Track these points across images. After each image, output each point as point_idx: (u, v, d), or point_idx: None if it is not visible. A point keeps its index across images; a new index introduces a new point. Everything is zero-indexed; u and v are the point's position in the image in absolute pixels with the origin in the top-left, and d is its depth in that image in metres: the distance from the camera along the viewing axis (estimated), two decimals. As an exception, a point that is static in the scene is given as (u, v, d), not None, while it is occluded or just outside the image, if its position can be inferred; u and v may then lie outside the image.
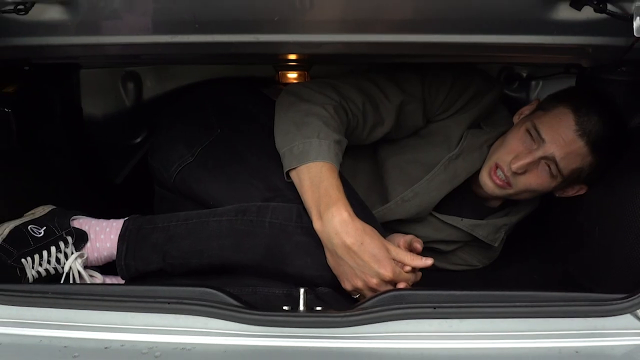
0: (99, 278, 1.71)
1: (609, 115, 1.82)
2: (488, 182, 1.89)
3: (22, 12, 1.33)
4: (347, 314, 1.28)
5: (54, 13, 1.39)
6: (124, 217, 1.74)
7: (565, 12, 1.38)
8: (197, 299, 1.31)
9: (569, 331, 1.26)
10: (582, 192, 1.93)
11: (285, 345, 1.26)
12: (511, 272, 2.08)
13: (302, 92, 1.76)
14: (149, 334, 1.28)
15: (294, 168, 1.61)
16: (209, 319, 1.28)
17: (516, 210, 2.07)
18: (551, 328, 1.26)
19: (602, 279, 1.76)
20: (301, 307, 1.37)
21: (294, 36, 1.49)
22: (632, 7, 1.27)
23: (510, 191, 1.88)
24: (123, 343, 1.27)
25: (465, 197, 2.02)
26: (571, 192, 1.93)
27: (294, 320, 1.29)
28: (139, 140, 2.49)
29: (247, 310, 1.28)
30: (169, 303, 1.29)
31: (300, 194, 1.61)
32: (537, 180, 1.85)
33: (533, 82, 2.45)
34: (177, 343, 1.27)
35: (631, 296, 1.26)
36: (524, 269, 2.08)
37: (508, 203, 2.06)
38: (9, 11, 1.33)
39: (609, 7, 1.30)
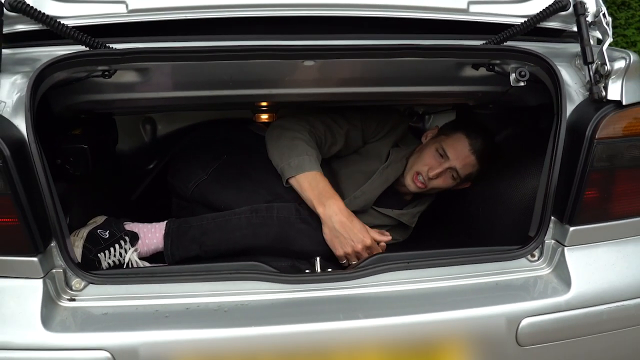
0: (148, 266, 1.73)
1: (487, 137, 2.06)
2: (411, 185, 2.08)
3: (107, 76, 1.38)
4: (350, 271, 1.41)
5: (128, 77, 1.43)
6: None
7: (468, 71, 1.58)
8: (249, 269, 1.39)
9: (490, 271, 1.44)
10: (467, 185, 2.14)
11: (310, 296, 1.37)
12: (424, 244, 2.21)
13: (284, 124, 1.88)
14: (216, 297, 1.35)
15: (293, 176, 1.73)
16: (257, 282, 1.37)
17: (422, 201, 2.26)
18: (479, 270, 1.44)
19: (488, 245, 1.95)
20: (318, 270, 1.49)
21: (294, 90, 1.63)
22: (509, 68, 1.49)
23: (425, 190, 2.09)
24: (198, 304, 1.34)
25: (391, 194, 2.18)
26: (460, 187, 2.15)
27: (315, 278, 1.40)
28: (151, 166, 2.49)
29: (284, 275, 1.38)
30: (230, 273, 1.37)
31: (300, 193, 1.72)
32: (444, 183, 2.06)
33: (426, 116, 2.68)
34: (237, 301, 1.34)
35: (523, 247, 1.46)
36: (432, 242, 2.22)
37: (416, 197, 2.26)
38: (98, 76, 1.38)
39: (496, 68, 1.51)
